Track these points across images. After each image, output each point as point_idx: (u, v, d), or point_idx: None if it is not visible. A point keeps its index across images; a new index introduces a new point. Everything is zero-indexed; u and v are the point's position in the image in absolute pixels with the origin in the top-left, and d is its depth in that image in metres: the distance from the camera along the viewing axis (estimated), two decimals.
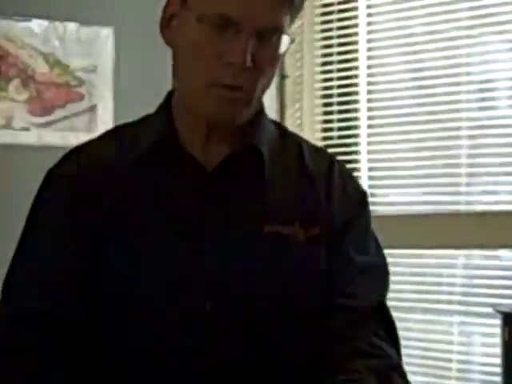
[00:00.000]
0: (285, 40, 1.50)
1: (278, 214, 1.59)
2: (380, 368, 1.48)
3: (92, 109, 3.31)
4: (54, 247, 1.54)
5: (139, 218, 1.54)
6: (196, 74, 1.49)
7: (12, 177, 3.19)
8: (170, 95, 1.62)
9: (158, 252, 1.52)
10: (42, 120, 3.19)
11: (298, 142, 1.69)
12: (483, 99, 3.11)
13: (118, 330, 1.48)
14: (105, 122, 3.29)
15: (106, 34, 3.34)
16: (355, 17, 3.42)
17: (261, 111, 1.61)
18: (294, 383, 1.51)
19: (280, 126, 1.72)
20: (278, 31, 1.47)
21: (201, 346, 1.46)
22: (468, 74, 3.11)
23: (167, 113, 1.59)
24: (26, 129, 3.14)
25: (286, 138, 1.69)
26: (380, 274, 1.67)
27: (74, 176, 1.57)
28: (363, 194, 1.69)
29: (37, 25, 3.17)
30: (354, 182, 1.71)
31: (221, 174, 1.55)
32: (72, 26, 3.29)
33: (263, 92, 1.54)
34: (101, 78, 3.33)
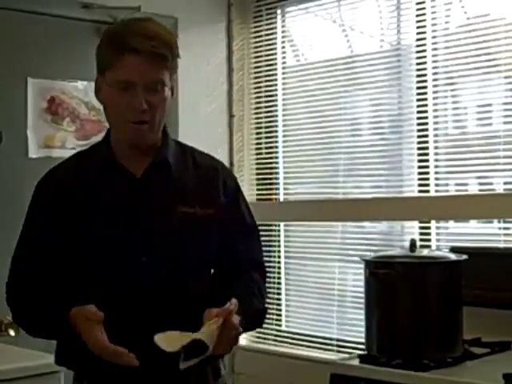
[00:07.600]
0: (166, 90, 1.72)
1: (184, 200, 1.78)
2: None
3: None
4: (40, 227, 1.80)
5: (96, 209, 1.76)
6: (116, 118, 1.75)
7: None
8: (108, 130, 1.86)
9: (110, 227, 1.74)
10: (84, 143, 3.53)
11: (191, 150, 1.88)
12: (353, 130, 3.73)
13: (90, 273, 1.74)
14: None
15: None
16: (275, 79, 4.02)
17: (166, 135, 1.81)
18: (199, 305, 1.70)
19: (178, 142, 1.89)
20: (160, 83, 1.71)
21: (140, 283, 1.71)
22: (344, 114, 3.71)
23: (107, 142, 1.82)
24: (74, 148, 3.45)
25: (183, 149, 1.88)
26: (259, 235, 1.92)
27: (54, 181, 1.82)
28: (237, 184, 1.94)
29: (80, 84, 3.58)
30: (231, 176, 1.94)
31: (145, 178, 1.79)
32: None
33: (161, 121, 1.74)
34: None
